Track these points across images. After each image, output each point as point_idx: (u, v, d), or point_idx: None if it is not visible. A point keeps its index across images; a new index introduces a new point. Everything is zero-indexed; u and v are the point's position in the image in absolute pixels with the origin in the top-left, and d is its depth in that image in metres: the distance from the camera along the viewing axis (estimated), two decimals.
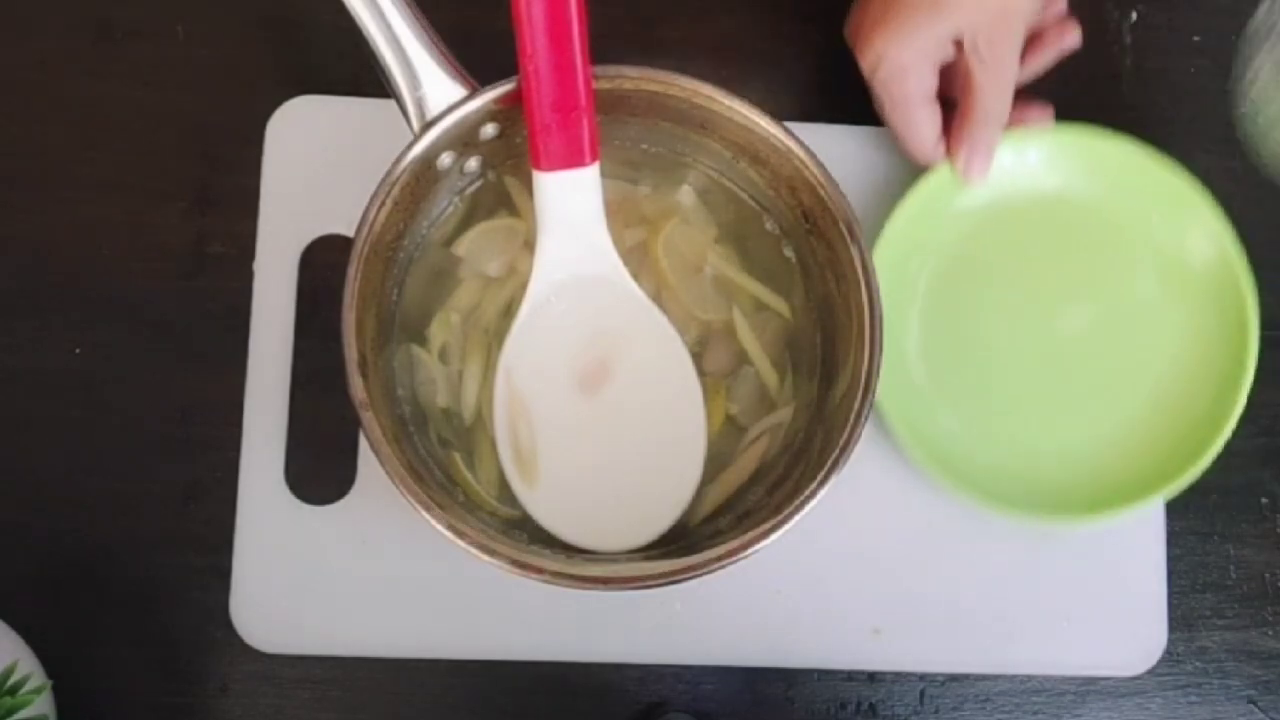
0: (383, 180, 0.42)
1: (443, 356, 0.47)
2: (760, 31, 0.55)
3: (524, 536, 0.44)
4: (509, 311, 0.47)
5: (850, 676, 0.51)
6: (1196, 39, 0.57)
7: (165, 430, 0.51)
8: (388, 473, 0.40)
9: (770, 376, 0.48)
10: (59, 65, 0.53)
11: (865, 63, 0.49)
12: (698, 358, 0.47)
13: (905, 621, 0.51)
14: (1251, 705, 0.53)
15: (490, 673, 0.50)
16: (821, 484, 0.42)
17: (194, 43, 0.54)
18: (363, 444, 0.50)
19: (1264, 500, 0.54)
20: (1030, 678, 0.52)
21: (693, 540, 0.44)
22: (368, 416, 0.41)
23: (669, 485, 0.46)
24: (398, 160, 0.42)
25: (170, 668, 0.50)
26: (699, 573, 0.41)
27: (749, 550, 0.41)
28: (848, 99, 0.53)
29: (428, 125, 0.42)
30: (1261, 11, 0.46)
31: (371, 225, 0.42)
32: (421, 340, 0.47)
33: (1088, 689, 0.52)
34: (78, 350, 0.51)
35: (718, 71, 0.44)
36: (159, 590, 0.50)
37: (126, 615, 0.50)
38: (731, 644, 0.50)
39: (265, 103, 0.52)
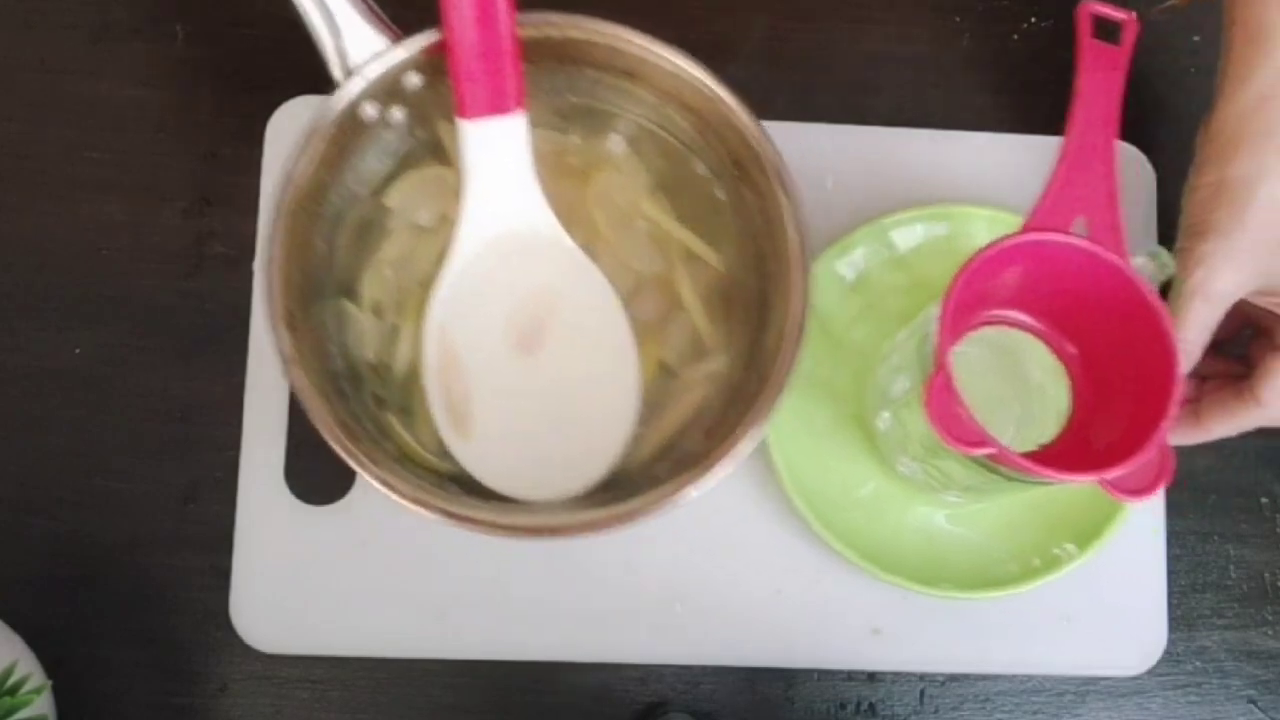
0: (306, 132, 0.42)
1: (375, 311, 0.47)
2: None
3: (459, 490, 0.44)
4: (442, 262, 0.46)
5: (850, 676, 0.51)
6: (1196, 39, 0.57)
7: (165, 430, 0.51)
8: (318, 427, 0.40)
9: (704, 324, 0.47)
10: (59, 65, 0.53)
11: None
12: (631, 306, 0.47)
13: (905, 621, 0.51)
14: (1251, 705, 0.53)
15: (490, 673, 0.50)
16: (752, 429, 0.41)
17: (194, 43, 0.54)
18: None
19: (1264, 500, 0.54)
20: (1030, 678, 0.52)
21: (632, 489, 0.43)
22: (295, 372, 0.40)
23: (603, 434, 0.45)
24: (319, 112, 0.42)
25: (170, 668, 0.50)
26: (631, 520, 0.40)
27: (680, 496, 0.41)
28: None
29: (350, 74, 0.42)
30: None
31: (294, 178, 0.42)
32: (353, 295, 0.47)
33: (1088, 689, 0.52)
34: (78, 350, 0.51)
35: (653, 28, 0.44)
36: (159, 590, 0.50)
37: (126, 615, 0.50)
38: (731, 644, 0.50)
39: (265, 103, 0.52)
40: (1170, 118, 0.57)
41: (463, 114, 0.43)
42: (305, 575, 0.49)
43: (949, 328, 0.40)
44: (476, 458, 0.45)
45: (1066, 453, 0.43)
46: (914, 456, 0.47)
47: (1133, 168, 0.55)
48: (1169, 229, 0.55)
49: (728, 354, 0.47)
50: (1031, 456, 0.40)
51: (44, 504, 0.50)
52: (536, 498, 0.44)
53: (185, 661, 0.50)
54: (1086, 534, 0.49)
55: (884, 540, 0.49)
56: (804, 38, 0.56)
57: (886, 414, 0.48)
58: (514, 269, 0.45)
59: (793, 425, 0.49)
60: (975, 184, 0.53)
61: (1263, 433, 0.54)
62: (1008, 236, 0.41)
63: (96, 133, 0.53)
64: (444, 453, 0.45)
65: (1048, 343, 0.45)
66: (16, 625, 0.47)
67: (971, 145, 0.54)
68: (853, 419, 0.51)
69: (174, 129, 0.53)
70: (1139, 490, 0.39)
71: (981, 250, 0.41)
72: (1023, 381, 0.47)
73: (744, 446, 0.41)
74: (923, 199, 0.52)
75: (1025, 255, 0.42)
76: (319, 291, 0.45)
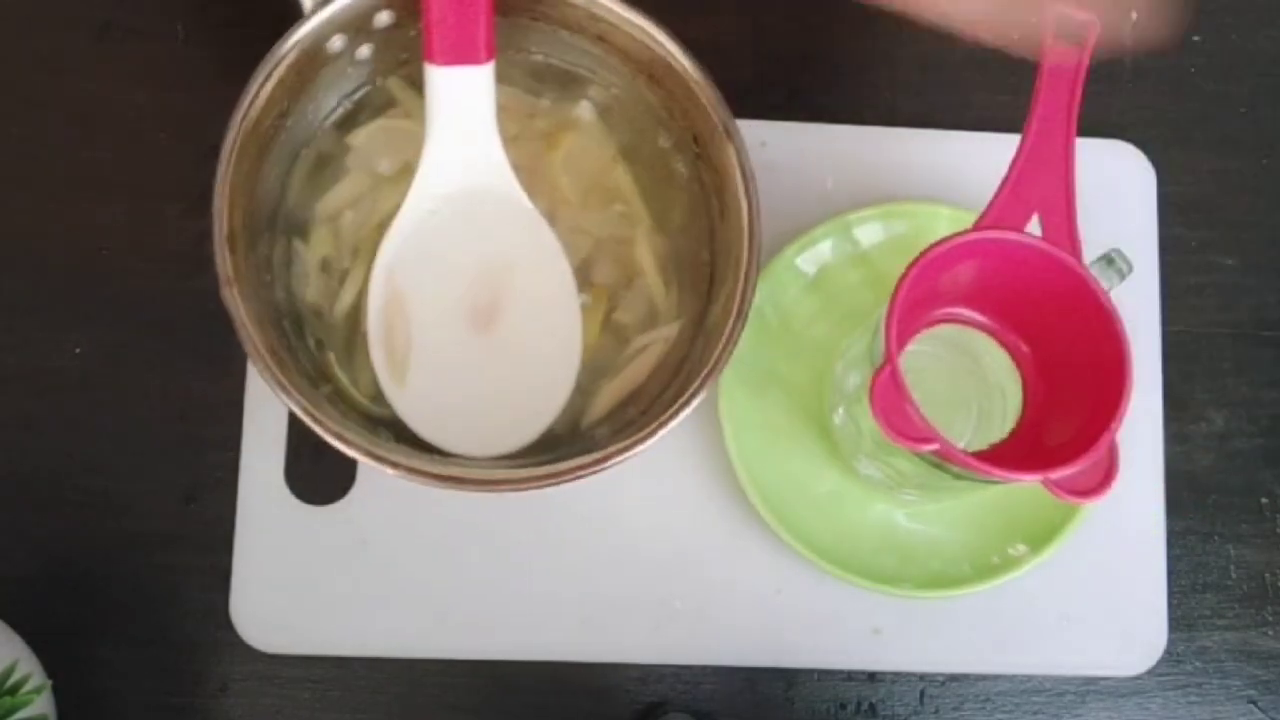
0: (270, 56, 0.42)
1: (324, 252, 0.47)
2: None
3: (390, 437, 0.44)
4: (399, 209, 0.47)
5: (850, 676, 0.51)
6: (1196, 39, 0.58)
7: (165, 430, 0.51)
8: (248, 353, 0.40)
9: (659, 291, 0.48)
10: (59, 65, 0.53)
11: None
12: (587, 269, 0.47)
13: (905, 621, 0.51)
14: (1251, 705, 0.53)
15: (490, 673, 0.50)
16: (687, 402, 0.42)
17: (194, 43, 0.54)
18: None
19: (1264, 500, 0.54)
20: (1030, 678, 0.52)
21: (571, 450, 0.44)
22: (229, 293, 0.41)
23: (542, 395, 0.46)
24: (286, 37, 0.42)
25: (170, 668, 0.50)
26: (556, 479, 0.41)
27: (611, 460, 0.41)
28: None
29: (322, 4, 0.42)
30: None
31: (254, 100, 0.42)
32: (303, 234, 0.47)
33: (1088, 689, 0.52)
34: (78, 350, 0.51)
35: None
36: (159, 590, 0.50)
37: (126, 615, 0.50)
38: (731, 644, 0.50)
39: None
40: (1170, 118, 0.57)
41: (431, 59, 0.42)
42: (305, 575, 0.49)
43: (896, 323, 0.40)
44: (410, 405, 0.45)
45: (1018, 452, 0.43)
46: (867, 454, 0.47)
47: (1133, 168, 0.55)
48: (1169, 229, 0.55)
49: (679, 322, 0.47)
50: (978, 455, 0.40)
51: (44, 504, 0.50)
52: (470, 453, 0.44)
53: (185, 661, 0.50)
54: (1046, 533, 0.49)
55: (842, 538, 0.49)
56: (803, 37, 0.56)
57: (841, 410, 0.48)
58: (470, 228, 0.45)
59: (750, 421, 0.49)
60: (976, 184, 0.53)
61: (1263, 432, 0.54)
62: (959, 233, 0.41)
63: (96, 133, 0.53)
64: (382, 400, 0.46)
65: (1001, 341, 0.46)
66: (16, 625, 0.47)
67: (972, 145, 0.54)
68: (812, 417, 0.51)
69: (174, 129, 0.53)
70: (1086, 491, 0.39)
71: (932, 246, 0.41)
72: (981, 381, 0.47)
73: (680, 414, 0.42)
74: (923, 199, 0.52)
75: (977, 253, 0.42)
76: (270, 223, 0.45)
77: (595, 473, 0.41)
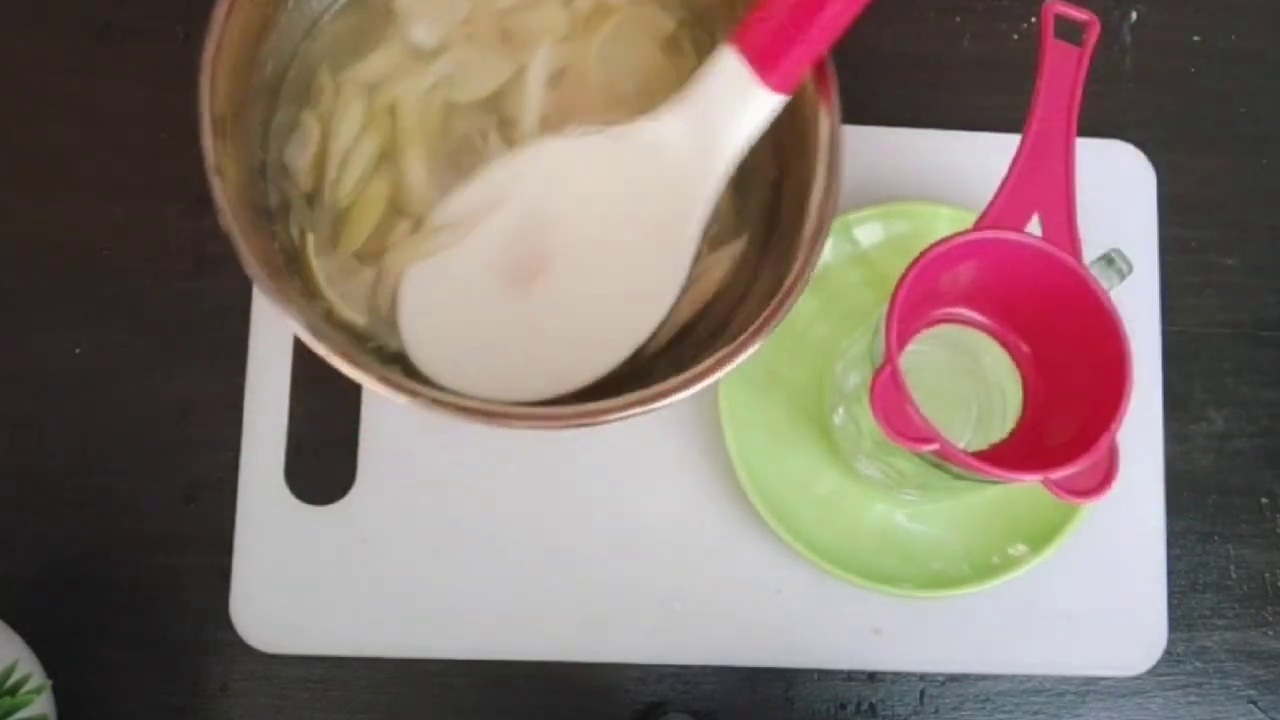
0: None
1: (326, 127, 0.44)
2: None
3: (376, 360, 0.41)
4: (430, 94, 0.44)
5: (850, 676, 0.51)
6: (1196, 39, 0.58)
7: (165, 430, 0.51)
8: (242, 262, 0.37)
9: (727, 205, 0.45)
10: (59, 65, 0.53)
11: None
12: None
13: (905, 621, 0.51)
14: (1251, 705, 0.53)
15: (490, 673, 0.50)
16: (760, 329, 0.40)
17: (194, 43, 0.53)
18: (363, 444, 0.50)
19: (1264, 500, 0.54)
20: (1030, 678, 0.52)
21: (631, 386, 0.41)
22: (219, 181, 0.37)
23: (603, 346, 0.43)
24: None
25: (170, 668, 0.50)
26: (609, 415, 0.38)
27: (672, 395, 0.39)
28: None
29: None
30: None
31: None
32: (310, 104, 0.44)
33: (1088, 689, 0.52)
34: (78, 350, 0.51)
35: None
36: (159, 590, 0.50)
37: (126, 615, 0.50)
38: (731, 644, 0.50)
39: None
40: (1170, 118, 0.57)
41: (767, 76, 0.40)
42: (305, 575, 0.49)
43: (896, 323, 0.40)
44: (417, 333, 0.42)
45: (1018, 452, 0.43)
46: (867, 454, 0.47)
47: (1133, 168, 0.55)
48: (1169, 229, 0.55)
49: (744, 239, 0.45)
50: (978, 455, 0.40)
51: (44, 504, 0.50)
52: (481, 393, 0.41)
53: (185, 661, 0.50)
54: (1046, 533, 0.49)
55: (842, 538, 0.49)
56: None
57: (841, 409, 0.48)
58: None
59: (751, 421, 0.49)
60: (976, 184, 0.53)
61: (1263, 432, 0.54)
62: (959, 233, 0.41)
63: (96, 133, 0.53)
64: (370, 314, 0.43)
65: (1001, 341, 0.46)
66: (16, 625, 0.47)
67: (972, 145, 0.54)
68: (812, 417, 0.51)
69: (174, 129, 0.53)
70: (1086, 491, 0.39)
71: (932, 246, 0.41)
72: (981, 381, 0.47)
73: (748, 352, 0.39)
74: (923, 199, 0.52)
75: (977, 253, 0.42)
76: (270, 89, 0.42)
77: (649, 411, 0.38)
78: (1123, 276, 0.45)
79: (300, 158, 0.44)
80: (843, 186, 0.42)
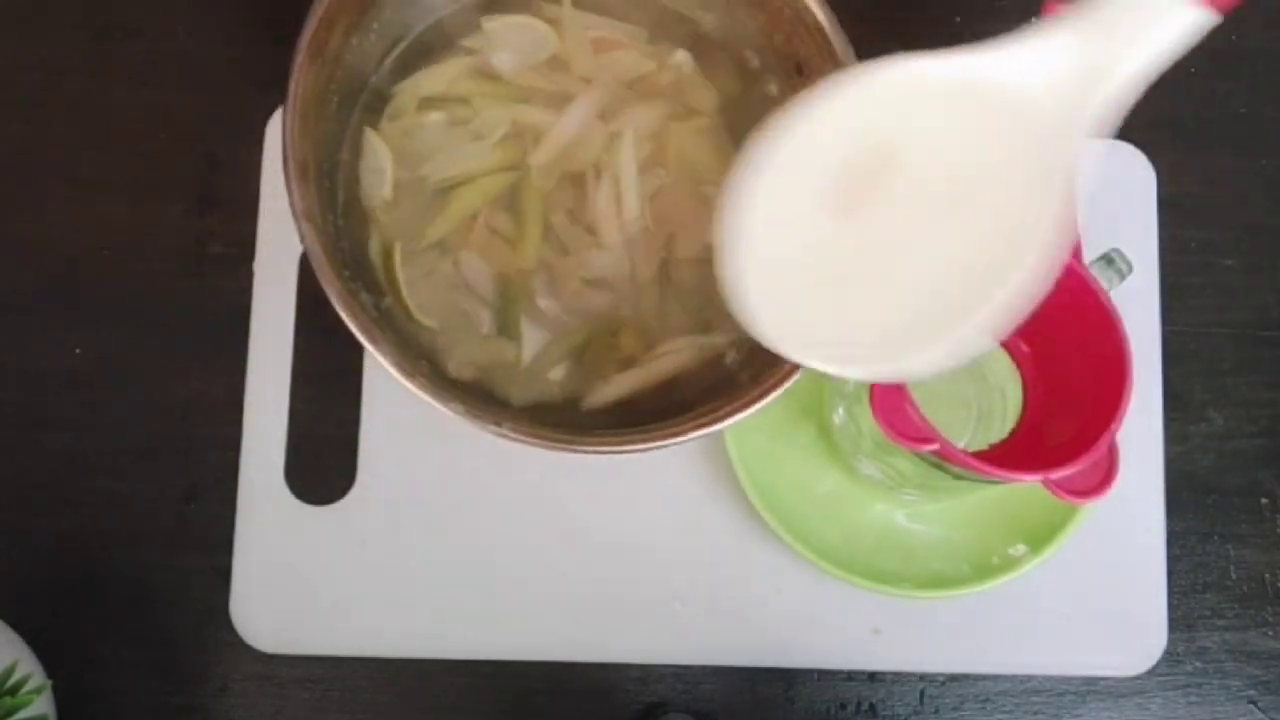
0: None
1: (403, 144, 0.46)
2: None
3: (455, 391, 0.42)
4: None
5: (850, 676, 0.51)
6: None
7: (165, 430, 0.51)
8: (344, 314, 0.38)
9: None
10: (59, 65, 0.53)
11: None
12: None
13: (905, 621, 0.51)
14: (1251, 705, 0.53)
15: (490, 673, 0.50)
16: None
17: (194, 43, 0.54)
18: (363, 444, 0.50)
19: (1264, 500, 0.54)
20: (1030, 678, 0.52)
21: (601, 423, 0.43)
22: (309, 227, 0.38)
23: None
24: None
25: (170, 668, 0.50)
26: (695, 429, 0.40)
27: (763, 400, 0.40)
28: None
29: None
30: None
31: None
32: (380, 111, 0.46)
33: (1088, 689, 0.52)
34: (78, 350, 0.51)
35: None
36: (159, 590, 0.50)
37: (126, 615, 0.50)
38: (731, 644, 0.51)
39: (265, 103, 0.52)
40: (1170, 118, 0.57)
41: None
42: (305, 575, 0.49)
43: None
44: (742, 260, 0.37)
45: (1018, 452, 0.43)
46: (867, 454, 0.47)
47: (1133, 168, 0.55)
48: (1169, 229, 0.55)
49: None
50: (978, 455, 0.40)
51: (44, 504, 0.50)
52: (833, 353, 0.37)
53: (185, 661, 0.50)
54: (1046, 533, 0.49)
55: (842, 538, 0.49)
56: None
57: (841, 409, 0.48)
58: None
59: (751, 421, 0.49)
60: None
61: (1263, 432, 0.54)
62: None
63: (96, 133, 0.53)
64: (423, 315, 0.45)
65: (1001, 341, 0.46)
66: (16, 625, 0.47)
67: None
68: (812, 417, 0.51)
69: (174, 129, 0.53)
70: (1086, 491, 0.39)
71: None
72: (981, 381, 0.47)
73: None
74: None
75: None
76: (351, 97, 0.44)
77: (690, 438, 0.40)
78: (1123, 276, 0.45)
79: (378, 183, 0.45)
80: None
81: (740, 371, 0.44)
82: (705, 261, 0.45)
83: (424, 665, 0.50)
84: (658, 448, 0.40)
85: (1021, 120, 0.37)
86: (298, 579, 0.49)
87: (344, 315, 0.38)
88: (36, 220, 0.52)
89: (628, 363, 0.46)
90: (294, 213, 0.38)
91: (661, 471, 0.51)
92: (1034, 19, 0.57)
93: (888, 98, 0.37)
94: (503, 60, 0.46)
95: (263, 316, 0.51)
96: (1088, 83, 0.36)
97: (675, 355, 0.46)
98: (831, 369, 0.37)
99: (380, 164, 0.45)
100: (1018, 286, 0.35)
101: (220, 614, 0.49)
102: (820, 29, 0.43)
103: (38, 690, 0.44)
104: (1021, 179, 0.36)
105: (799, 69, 0.45)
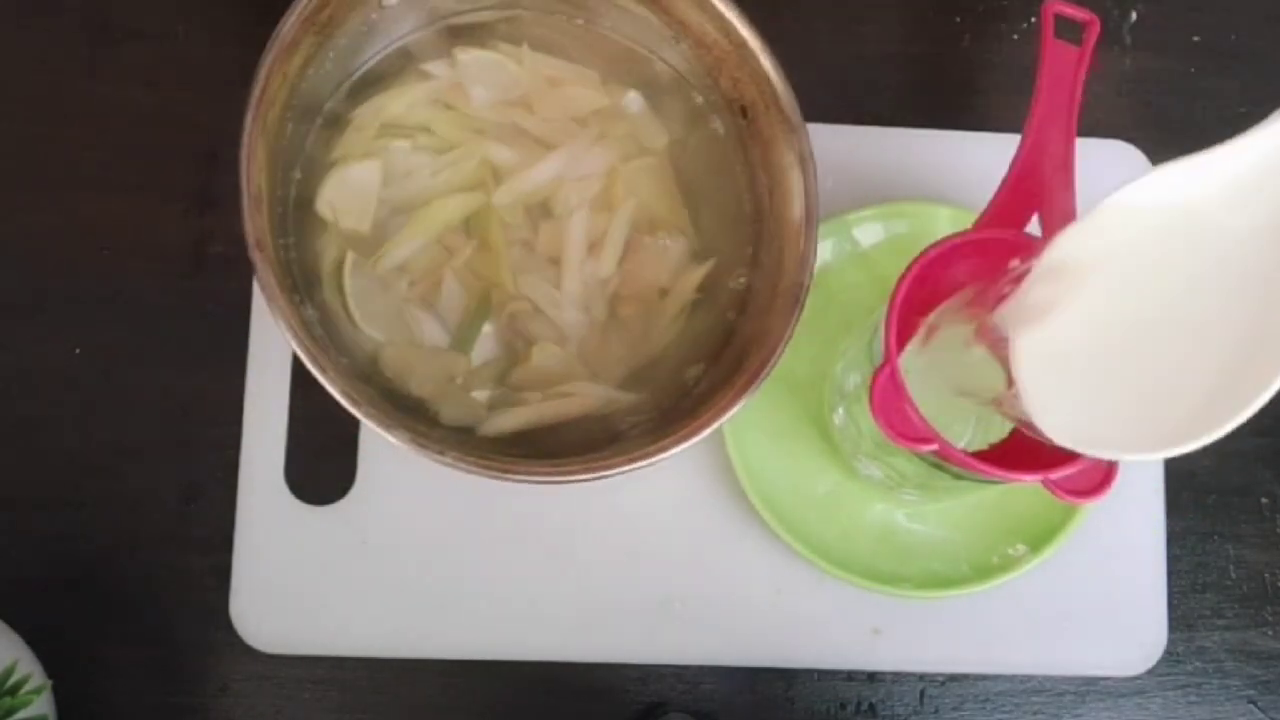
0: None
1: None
2: None
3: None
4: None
5: (850, 676, 0.51)
6: (1196, 39, 0.57)
7: (165, 430, 0.51)
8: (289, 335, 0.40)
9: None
10: (59, 65, 0.53)
11: None
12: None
13: (905, 621, 0.51)
14: (1251, 705, 0.53)
15: (490, 673, 0.50)
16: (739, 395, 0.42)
17: (194, 43, 0.54)
18: (363, 444, 0.50)
19: (1264, 500, 0.54)
20: (1030, 678, 0.52)
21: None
22: (260, 256, 0.39)
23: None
24: None
25: (170, 668, 0.50)
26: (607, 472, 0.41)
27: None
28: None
29: None
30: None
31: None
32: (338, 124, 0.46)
33: (1088, 689, 0.52)
34: (78, 350, 0.51)
35: None
36: (159, 590, 0.50)
37: (126, 615, 0.50)
38: (731, 644, 0.50)
39: None
40: (1170, 118, 0.57)
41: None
42: (305, 575, 0.49)
43: (896, 323, 0.40)
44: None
45: (1018, 452, 0.43)
46: (867, 454, 0.47)
47: (1133, 168, 0.55)
48: None
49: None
50: (978, 455, 0.40)
51: (44, 504, 0.50)
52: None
53: (185, 661, 0.50)
54: (1046, 533, 0.49)
55: (842, 538, 0.49)
56: (804, 38, 0.56)
57: (841, 409, 0.48)
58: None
59: (751, 421, 0.49)
60: (976, 184, 0.53)
61: (1263, 432, 0.54)
62: (959, 233, 0.41)
63: (96, 133, 0.53)
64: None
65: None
66: (16, 625, 0.47)
67: (972, 145, 0.54)
68: (812, 417, 0.51)
69: (174, 129, 0.53)
70: (1086, 491, 0.39)
71: (932, 246, 0.41)
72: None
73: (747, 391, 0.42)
74: (923, 199, 0.52)
75: (977, 253, 0.42)
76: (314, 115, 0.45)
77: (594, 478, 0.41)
78: None
79: (357, 211, 0.46)
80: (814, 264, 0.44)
81: (631, 429, 0.46)
82: (649, 301, 0.47)
83: (423, 665, 0.50)
84: (588, 480, 0.42)
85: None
86: (298, 579, 0.49)
87: (296, 348, 0.40)
88: (36, 220, 0.52)
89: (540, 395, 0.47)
90: (249, 243, 0.39)
91: (661, 472, 0.51)
92: (1034, 18, 0.57)
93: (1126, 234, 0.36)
94: (477, 95, 0.47)
95: (263, 316, 0.51)
96: None
97: (580, 400, 0.47)
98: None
99: (365, 191, 0.46)
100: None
101: (220, 614, 0.49)
102: (766, 77, 0.45)
103: (38, 690, 0.44)
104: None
105: (743, 112, 0.46)
